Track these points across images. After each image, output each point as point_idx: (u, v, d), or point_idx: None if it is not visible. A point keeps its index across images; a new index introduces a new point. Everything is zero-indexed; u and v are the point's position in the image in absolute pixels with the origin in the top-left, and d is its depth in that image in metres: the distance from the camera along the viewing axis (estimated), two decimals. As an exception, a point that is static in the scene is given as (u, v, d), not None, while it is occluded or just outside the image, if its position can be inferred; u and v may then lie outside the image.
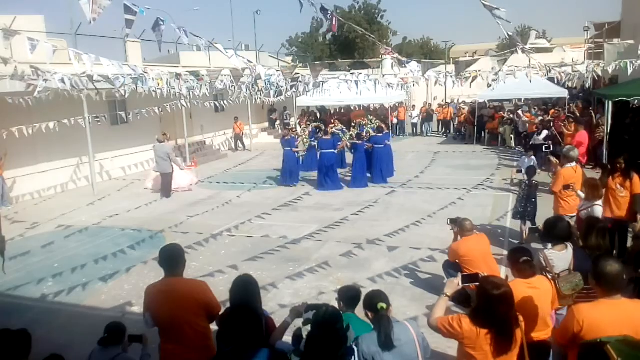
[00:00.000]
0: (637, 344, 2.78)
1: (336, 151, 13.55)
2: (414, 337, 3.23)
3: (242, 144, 22.63)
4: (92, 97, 12.82)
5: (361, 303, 3.56)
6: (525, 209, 8.30)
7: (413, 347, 3.20)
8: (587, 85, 15.98)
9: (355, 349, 3.11)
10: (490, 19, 6.53)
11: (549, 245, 4.63)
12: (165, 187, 13.03)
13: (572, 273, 4.20)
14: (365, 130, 14.95)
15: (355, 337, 3.19)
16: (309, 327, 3.16)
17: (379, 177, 13.64)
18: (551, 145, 13.19)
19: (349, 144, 14.11)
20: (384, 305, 3.25)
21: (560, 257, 4.49)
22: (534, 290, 3.67)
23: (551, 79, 17.25)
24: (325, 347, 2.89)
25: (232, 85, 11.81)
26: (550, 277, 4.02)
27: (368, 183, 13.48)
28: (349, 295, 3.69)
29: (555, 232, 4.62)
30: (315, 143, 14.54)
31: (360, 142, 13.83)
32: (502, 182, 12.95)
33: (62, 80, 9.26)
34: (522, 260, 3.77)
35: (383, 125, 15.17)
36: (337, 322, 3.03)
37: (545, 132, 14.33)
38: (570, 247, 4.61)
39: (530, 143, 14.52)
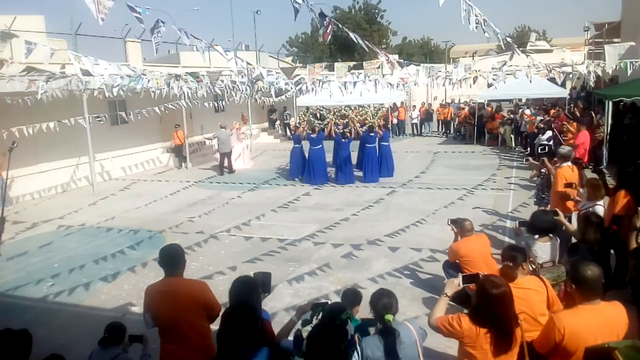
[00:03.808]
0: None
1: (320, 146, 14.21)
2: (415, 338, 3.28)
3: (183, 158, 17.66)
4: (93, 96, 12.81)
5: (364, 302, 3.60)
6: (544, 195, 8.62)
7: (415, 348, 3.26)
8: (590, 84, 15.94)
9: (357, 348, 3.12)
10: (491, 19, 6.59)
11: (536, 237, 4.87)
12: (228, 163, 16.28)
13: (555, 265, 4.57)
14: (363, 127, 15.43)
15: (359, 339, 3.19)
16: (308, 328, 3.17)
17: (370, 176, 13.88)
18: (552, 146, 13.16)
19: (333, 133, 15.01)
20: (391, 318, 3.26)
21: (544, 248, 4.75)
22: (521, 290, 3.61)
23: (552, 79, 17.24)
24: (327, 344, 2.90)
25: (234, 86, 11.79)
26: (532, 267, 4.19)
27: (356, 180, 13.90)
28: (349, 300, 3.74)
29: (540, 224, 4.88)
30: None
31: (345, 139, 14.28)
32: (503, 182, 12.96)
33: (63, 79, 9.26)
34: (504, 265, 3.77)
35: (378, 125, 15.59)
36: (336, 319, 3.04)
37: (549, 133, 14.30)
38: (555, 240, 4.86)
39: (536, 145, 14.46)
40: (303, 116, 23.34)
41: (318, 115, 23.38)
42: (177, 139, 17.56)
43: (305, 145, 14.56)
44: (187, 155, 17.82)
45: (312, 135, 14.32)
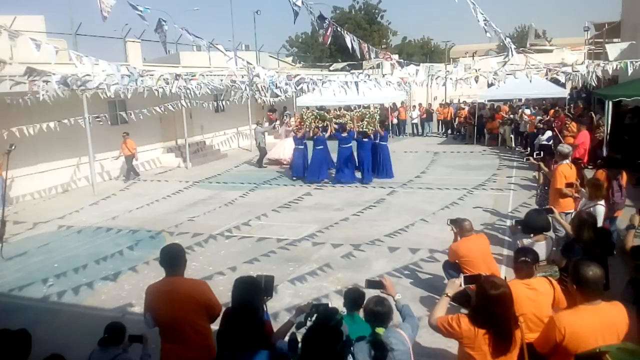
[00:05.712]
0: (636, 351, 2.70)
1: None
2: (409, 345, 3.31)
3: (134, 170, 15.92)
4: (93, 96, 12.81)
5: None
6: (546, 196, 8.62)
7: (407, 355, 3.28)
8: (592, 84, 15.90)
9: (351, 357, 3.14)
10: (492, 19, 6.62)
11: (531, 236, 5.01)
12: (260, 158, 17.30)
13: (549, 264, 4.70)
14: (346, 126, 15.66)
15: (351, 342, 3.21)
16: (303, 331, 3.17)
17: (383, 173, 14.35)
18: (552, 146, 13.14)
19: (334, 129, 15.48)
20: (382, 331, 3.30)
21: (539, 247, 4.86)
22: (532, 291, 3.68)
23: (554, 80, 17.22)
24: (321, 346, 2.90)
25: (233, 86, 11.79)
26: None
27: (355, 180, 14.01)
28: (352, 298, 3.76)
29: (533, 224, 5.03)
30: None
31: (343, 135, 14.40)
32: (503, 182, 12.95)
33: (64, 82, 9.26)
34: (520, 261, 3.81)
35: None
36: (331, 320, 3.04)
37: (548, 133, 14.28)
38: (550, 239, 5.00)
39: (536, 145, 14.44)
40: (312, 118, 23.30)
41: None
42: (126, 149, 15.46)
43: (310, 145, 14.58)
44: (187, 156, 17.82)
45: (342, 134, 14.36)
